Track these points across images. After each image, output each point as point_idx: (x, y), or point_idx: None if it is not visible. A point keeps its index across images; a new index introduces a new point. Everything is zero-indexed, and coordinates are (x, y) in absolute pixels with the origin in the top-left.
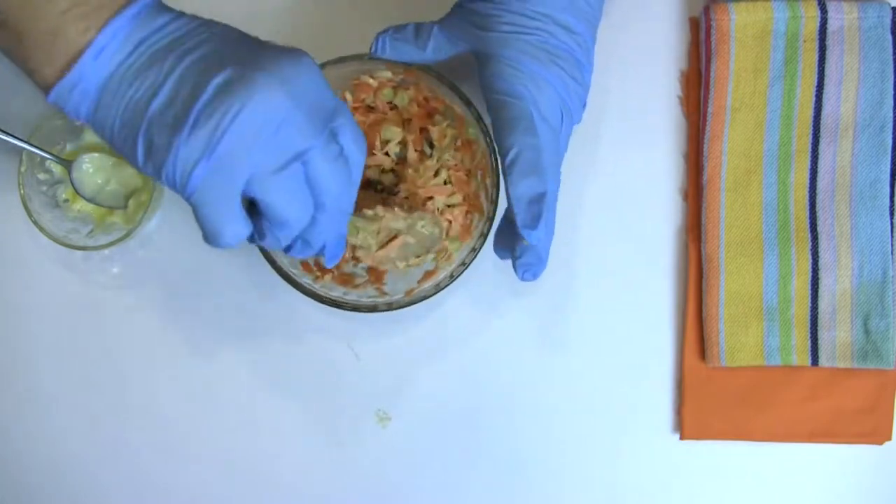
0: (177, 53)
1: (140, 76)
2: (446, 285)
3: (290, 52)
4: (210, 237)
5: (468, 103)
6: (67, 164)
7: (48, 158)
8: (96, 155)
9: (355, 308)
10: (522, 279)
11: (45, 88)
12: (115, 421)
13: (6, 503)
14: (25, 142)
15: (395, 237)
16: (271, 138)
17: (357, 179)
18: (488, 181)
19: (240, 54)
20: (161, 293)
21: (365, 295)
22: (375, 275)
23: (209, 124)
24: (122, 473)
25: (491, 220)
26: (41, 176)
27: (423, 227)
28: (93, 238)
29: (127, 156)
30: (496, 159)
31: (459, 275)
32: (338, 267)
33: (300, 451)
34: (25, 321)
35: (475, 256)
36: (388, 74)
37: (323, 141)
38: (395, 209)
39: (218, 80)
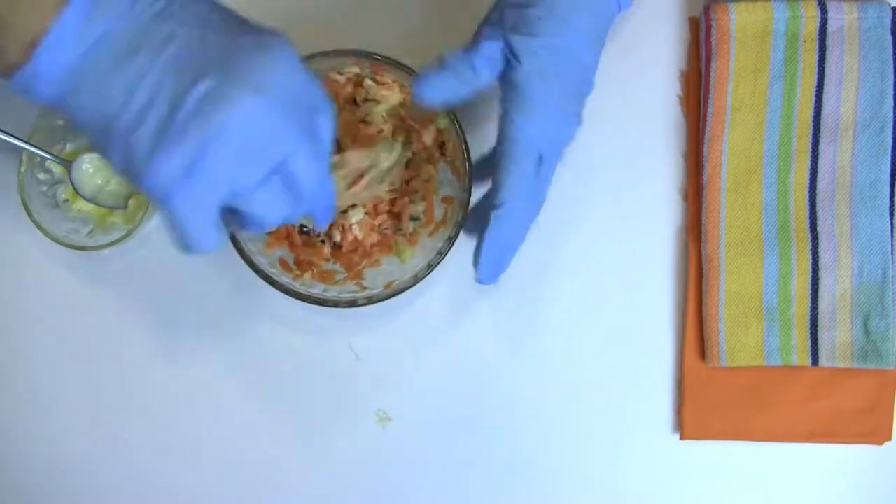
0: (152, 45)
1: (114, 70)
2: (424, 276)
3: (268, 48)
4: (183, 248)
5: None
6: (67, 164)
7: (48, 158)
8: (96, 155)
9: (336, 304)
10: (480, 283)
11: (5, 75)
12: (115, 421)
13: (6, 503)
14: (25, 142)
15: (361, 176)
16: (252, 153)
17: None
18: (461, 170)
19: (216, 50)
20: (161, 293)
21: (345, 291)
22: (354, 272)
23: (190, 143)
24: (122, 473)
25: (465, 207)
26: (41, 176)
27: (384, 158)
28: (93, 238)
29: (98, 151)
30: (467, 148)
31: (437, 264)
32: (316, 265)
33: (300, 452)
34: (25, 321)
35: (451, 245)
36: (356, 70)
37: (303, 144)
38: (358, 149)
39: (198, 91)
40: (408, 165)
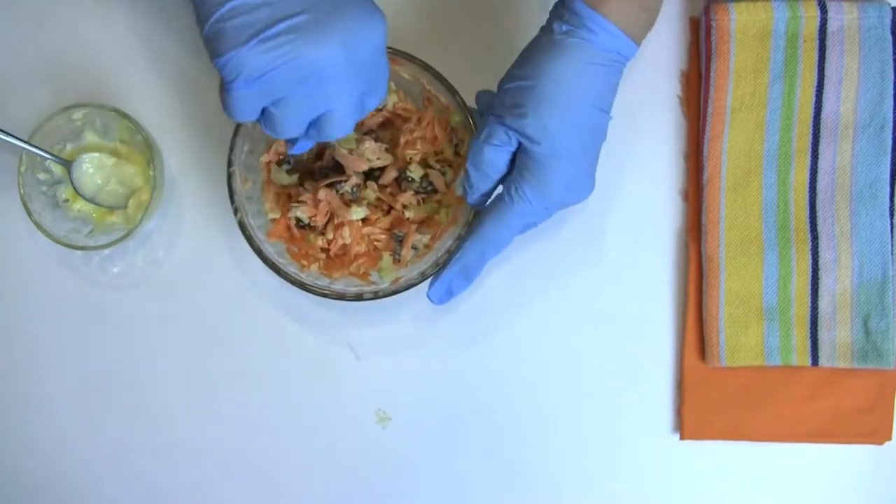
0: None
1: None
2: (431, 273)
3: (369, 15)
4: (226, 113)
5: (453, 92)
6: (67, 164)
7: (48, 158)
8: (96, 155)
9: (341, 297)
10: (428, 297)
11: None
12: (115, 421)
13: (6, 503)
14: (25, 142)
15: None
16: (311, 88)
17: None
18: None
19: None
20: (161, 293)
21: (351, 284)
22: (349, 272)
23: (269, 56)
24: (121, 473)
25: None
26: (41, 176)
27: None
28: (93, 238)
29: (197, 15)
30: None
31: (445, 262)
32: (317, 258)
33: (300, 451)
34: (25, 321)
35: (461, 244)
36: None
37: (350, 104)
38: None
39: (296, 21)
40: (427, 202)
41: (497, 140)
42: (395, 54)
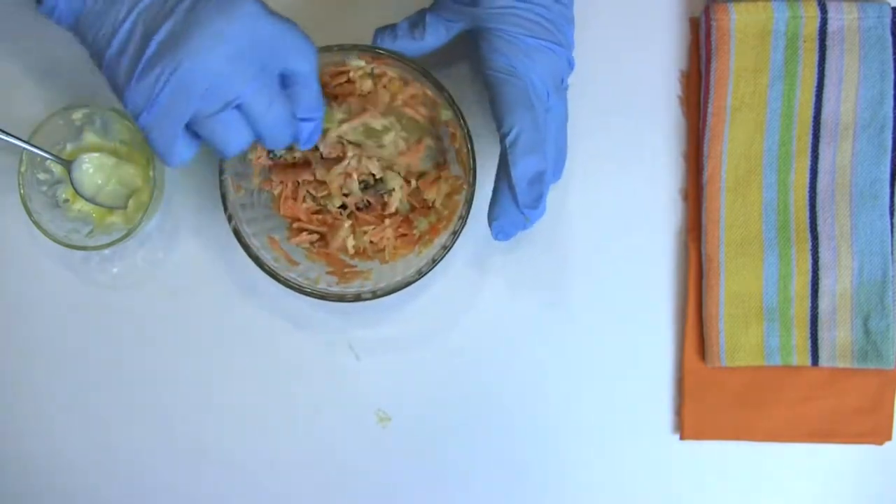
0: None
1: (103, 12)
2: (428, 271)
3: (233, 1)
4: (160, 159)
5: (440, 88)
6: (67, 164)
7: (48, 158)
8: (96, 155)
9: (340, 298)
10: (496, 238)
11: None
12: (115, 421)
13: (5, 503)
14: (25, 142)
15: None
16: (204, 89)
17: (301, 113)
18: (466, 164)
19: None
20: (161, 293)
21: (350, 286)
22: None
23: (149, 79)
24: (121, 473)
25: (469, 201)
26: (41, 176)
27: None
28: (93, 238)
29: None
30: (471, 141)
31: (441, 258)
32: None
33: (300, 451)
34: (25, 321)
35: (456, 239)
36: (361, 63)
37: (256, 87)
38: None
39: (159, 36)
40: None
41: (447, 16)
42: (378, 54)
